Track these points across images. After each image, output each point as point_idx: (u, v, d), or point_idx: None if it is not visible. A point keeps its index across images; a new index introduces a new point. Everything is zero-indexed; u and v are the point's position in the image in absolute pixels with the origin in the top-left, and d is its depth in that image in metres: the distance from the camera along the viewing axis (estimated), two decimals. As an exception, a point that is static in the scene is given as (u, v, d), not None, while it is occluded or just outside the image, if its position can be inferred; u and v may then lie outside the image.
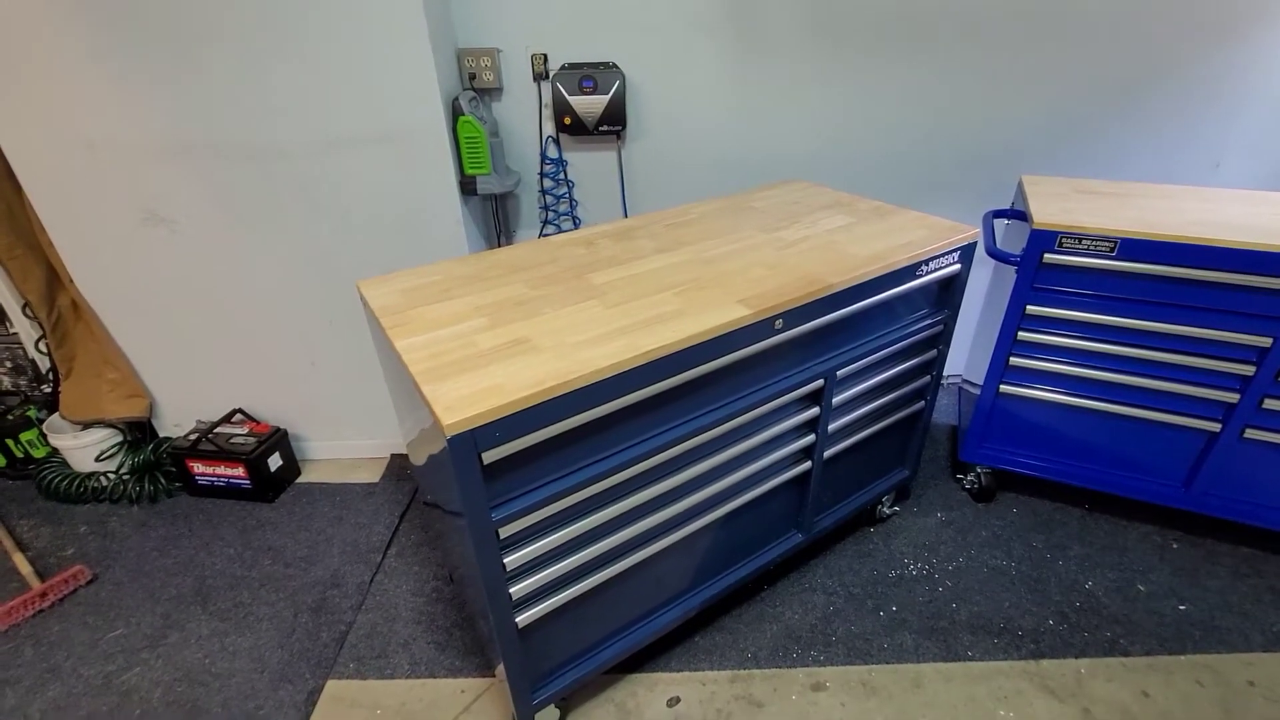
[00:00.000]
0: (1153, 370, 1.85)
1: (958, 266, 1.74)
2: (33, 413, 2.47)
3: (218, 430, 2.38)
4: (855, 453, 1.87)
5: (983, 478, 2.21)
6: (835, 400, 1.66)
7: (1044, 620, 1.83)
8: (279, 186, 2.04)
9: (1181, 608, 1.86)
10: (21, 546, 2.18)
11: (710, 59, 2.20)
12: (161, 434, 2.53)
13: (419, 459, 1.59)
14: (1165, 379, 1.84)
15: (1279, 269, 1.61)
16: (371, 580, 2.03)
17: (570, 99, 2.17)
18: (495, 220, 2.42)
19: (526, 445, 1.15)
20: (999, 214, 2.15)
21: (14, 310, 2.41)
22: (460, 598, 1.95)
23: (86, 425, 2.38)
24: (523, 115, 2.28)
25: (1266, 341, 1.69)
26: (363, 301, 1.51)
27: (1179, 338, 1.78)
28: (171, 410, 2.49)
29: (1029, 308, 1.88)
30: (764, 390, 1.50)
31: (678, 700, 1.66)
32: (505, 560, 1.23)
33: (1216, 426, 1.84)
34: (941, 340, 1.87)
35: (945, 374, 2.04)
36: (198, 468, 2.33)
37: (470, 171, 2.10)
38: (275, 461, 2.37)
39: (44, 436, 2.45)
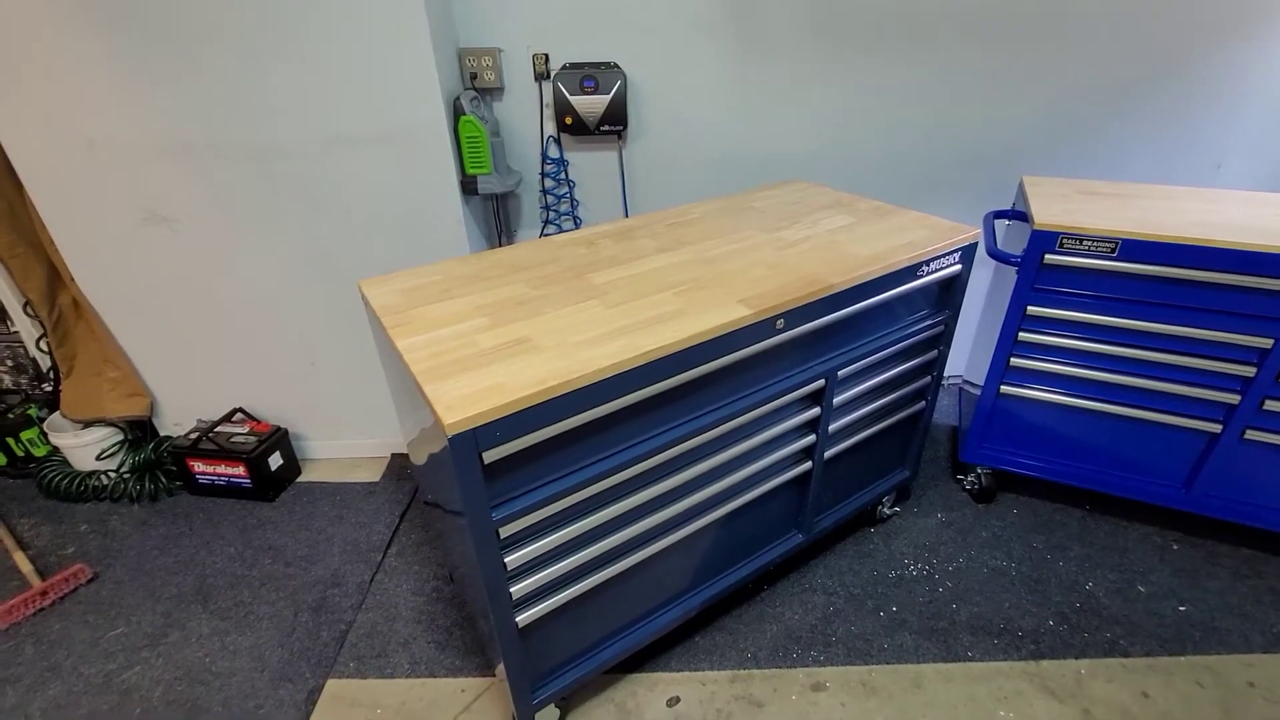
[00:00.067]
0: (1153, 371, 1.85)
1: (959, 267, 1.74)
2: (33, 411, 2.47)
3: (218, 429, 2.38)
4: (856, 453, 1.87)
5: (983, 478, 2.21)
6: (836, 400, 1.66)
7: (1044, 621, 1.83)
8: (280, 186, 2.04)
9: (1182, 609, 1.86)
10: (22, 545, 2.18)
11: (711, 59, 2.20)
12: (162, 433, 2.53)
13: (419, 458, 1.59)
14: (1166, 380, 1.84)
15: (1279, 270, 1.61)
16: (372, 579, 2.04)
17: (571, 99, 2.17)
18: (496, 220, 2.42)
19: (527, 445, 1.15)
20: (1000, 214, 2.15)
21: (15, 309, 2.41)
22: (460, 597, 1.95)
23: (87, 424, 2.38)
24: (524, 115, 2.28)
25: (1267, 343, 1.69)
26: (364, 301, 1.51)
27: (1180, 339, 1.78)
28: (172, 409, 2.49)
29: (1030, 308, 1.88)
30: (765, 390, 1.50)
31: (678, 700, 1.66)
32: (506, 560, 1.23)
33: (1217, 428, 1.84)
34: (942, 341, 1.87)
35: (946, 374, 2.04)
36: (198, 467, 2.33)
37: (471, 171, 2.10)
38: (276, 460, 2.37)
39: (45, 435, 2.46)
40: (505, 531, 1.21)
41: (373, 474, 2.49)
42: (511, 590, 1.27)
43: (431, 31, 1.86)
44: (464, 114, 2.01)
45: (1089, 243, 1.74)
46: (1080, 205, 1.88)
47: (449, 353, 1.23)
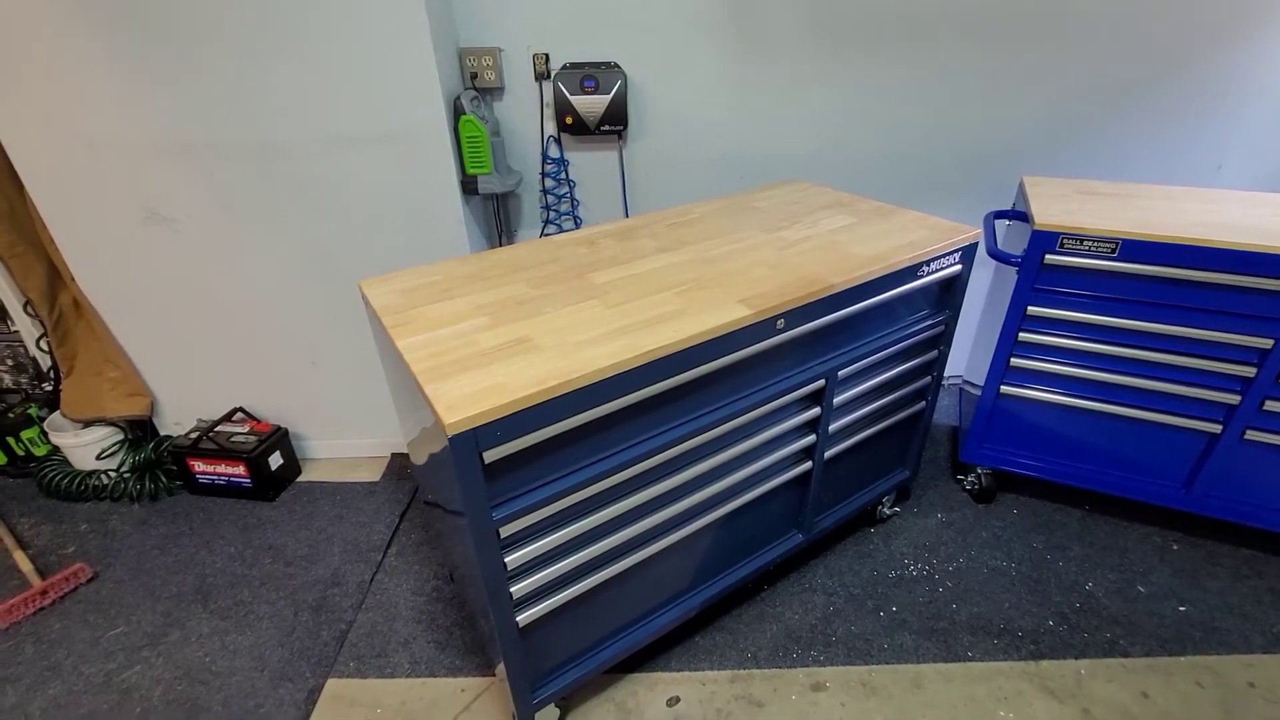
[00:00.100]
0: (1153, 371, 1.85)
1: (959, 267, 1.74)
2: (34, 411, 2.47)
3: (218, 429, 2.38)
4: (856, 453, 1.87)
5: (983, 478, 2.21)
6: (836, 400, 1.66)
7: (1044, 621, 1.83)
8: (280, 186, 2.04)
9: (1181, 609, 1.86)
10: (22, 544, 2.18)
11: (711, 59, 2.20)
12: (162, 432, 2.53)
13: (420, 458, 1.59)
14: (1166, 380, 1.84)
15: (1280, 270, 1.61)
16: (372, 579, 2.04)
17: (572, 98, 2.17)
18: (496, 220, 2.42)
19: (527, 444, 1.15)
20: (1000, 215, 2.15)
21: (15, 308, 2.41)
22: (460, 597, 1.95)
23: (87, 423, 2.38)
24: (524, 115, 2.28)
25: (1267, 343, 1.69)
26: (364, 301, 1.51)
27: (1180, 339, 1.78)
28: (172, 409, 2.49)
29: (1030, 309, 1.88)
30: (765, 390, 1.50)
31: (678, 700, 1.66)
32: (506, 559, 1.23)
33: (1217, 428, 1.84)
34: (942, 341, 1.87)
35: (946, 375, 2.04)
36: (198, 466, 2.33)
37: (471, 171, 2.10)
38: (276, 460, 2.37)
39: (45, 434, 2.46)
40: (505, 531, 1.21)
41: (373, 474, 2.49)
42: (512, 590, 1.28)
43: (432, 31, 1.86)
44: (464, 114, 2.01)
45: (1089, 243, 1.74)
46: (1080, 205, 1.88)
47: (449, 352, 1.23)
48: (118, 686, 1.73)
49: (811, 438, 1.68)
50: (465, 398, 1.09)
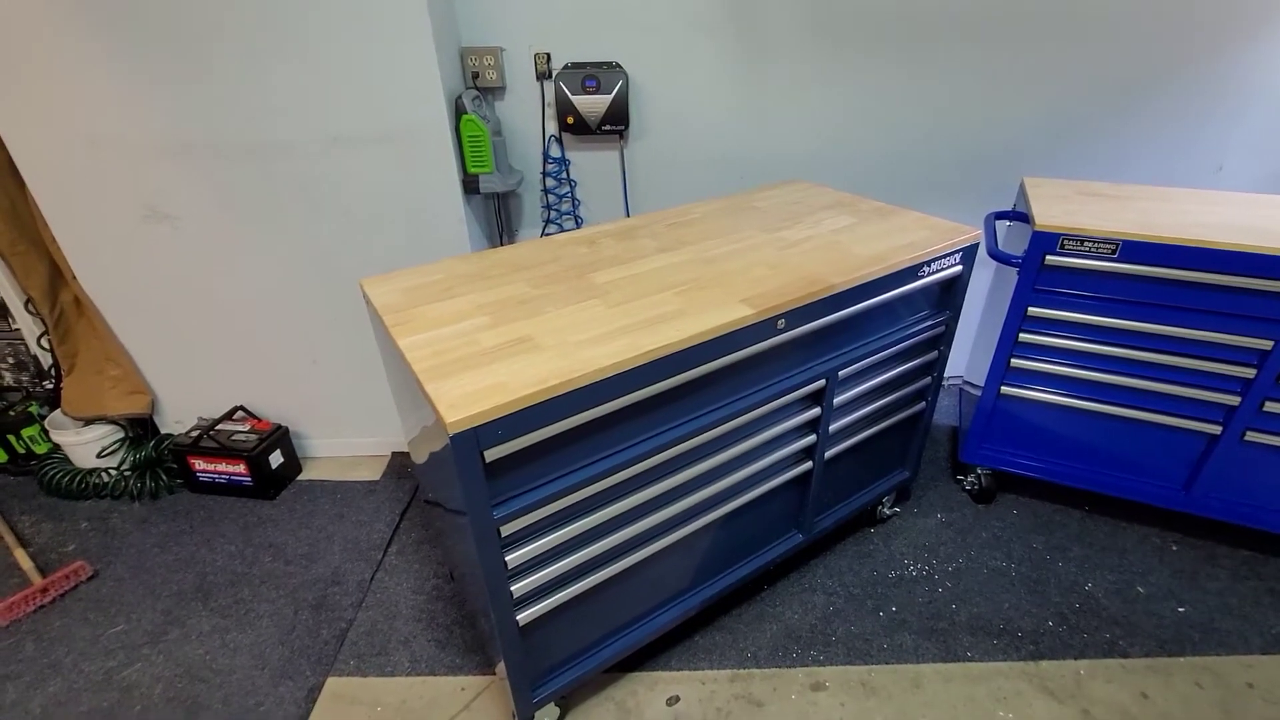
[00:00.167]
0: (1153, 372, 1.85)
1: (959, 268, 1.74)
2: (34, 409, 2.48)
3: (219, 427, 2.38)
4: (856, 453, 1.87)
5: (983, 479, 2.21)
6: (836, 401, 1.66)
7: (1043, 621, 1.83)
8: (281, 185, 2.04)
9: (1181, 610, 1.86)
10: (23, 542, 2.18)
11: (711, 59, 2.20)
12: (163, 431, 2.54)
13: (420, 457, 1.59)
14: (1166, 381, 1.84)
15: (1280, 272, 1.61)
16: (372, 578, 2.04)
17: (573, 98, 2.17)
18: (498, 219, 2.42)
19: (528, 444, 1.15)
20: (1001, 215, 2.15)
21: (16, 306, 2.41)
22: (460, 596, 1.95)
23: (88, 421, 2.38)
24: (525, 114, 2.28)
25: (1267, 344, 1.70)
26: (365, 299, 1.51)
27: (1180, 340, 1.78)
28: (173, 407, 2.49)
29: (1030, 309, 1.88)
30: (765, 390, 1.50)
31: (677, 699, 1.66)
32: (506, 558, 1.23)
33: (1217, 429, 1.84)
34: (943, 341, 1.88)
35: (946, 375, 2.04)
36: (199, 464, 2.33)
37: (473, 170, 2.10)
38: (276, 459, 2.37)
39: (46, 432, 2.46)
40: (506, 530, 1.21)
41: (373, 472, 2.49)
42: (512, 589, 1.28)
43: (434, 31, 1.86)
44: (466, 113, 2.01)
45: (1090, 244, 1.74)
46: (1081, 206, 1.88)
47: (450, 351, 1.23)
48: (118, 684, 1.73)
49: (812, 438, 1.69)
50: (466, 396, 1.09)
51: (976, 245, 1.75)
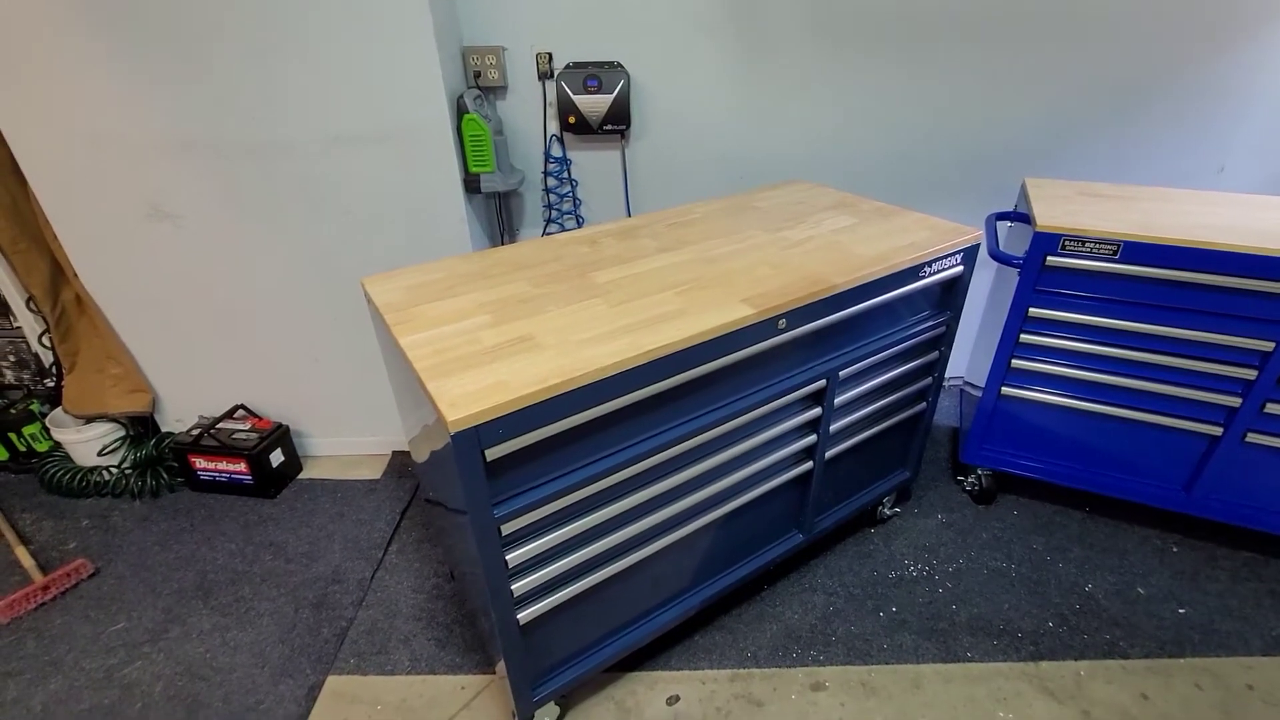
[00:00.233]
0: (1155, 373, 1.85)
1: (961, 268, 1.74)
2: (36, 407, 2.48)
3: (220, 426, 2.39)
4: (857, 453, 1.87)
5: (983, 480, 2.21)
6: (837, 401, 1.66)
7: (1044, 622, 1.83)
8: (283, 184, 2.04)
9: (1181, 611, 1.86)
10: (24, 540, 2.18)
11: (712, 59, 2.20)
12: (164, 429, 2.54)
13: (421, 456, 1.60)
14: (1167, 382, 1.84)
15: (1282, 273, 1.61)
16: (372, 577, 2.04)
17: (575, 98, 2.17)
18: (499, 218, 2.42)
19: (529, 443, 1.15)
20: (1002, 216, 2.15)
21: (18, 304, 2.42)
22: (461, 595, 1.95)
23: (89, 420, 2.39)
24: (527, 114, 2.28)
25: (1269, 345, 1.69)
26: (367, 298, 1.51)
27: (1181, 341, 1.78)
28: (174, 405, 2.50)
29: (1031, 310, 1.88)
30: (766, 390, 1.50)
31: (677, 699, 1.66)
32: (507, 557, 1.23)
33: (1218, 430, 1.84)
34: (944, 342, 1.88)
35: (947, 376, 2.04)
36: (200, 463, 2.34)
37: (474, 169, 2.10)
38: (277, 457, 2.38)
39: (47, 430, 2.46)
40: (507, 529, 1.21)
41: (374, 471, 2.50)
42: (513, 588, 1.28)
43: (436, 30, 1.86)
44: (467, 112, 2.01)
45: (1091, 245, 1.74)
46: (1082, 207, 1.88)
47: (452, 350, 1.23)
48: (119, 682, 1.73)
49: (812, 438, 1.69)
50: (468, 395, 1.09)
51: (977, 246, 1.75)
